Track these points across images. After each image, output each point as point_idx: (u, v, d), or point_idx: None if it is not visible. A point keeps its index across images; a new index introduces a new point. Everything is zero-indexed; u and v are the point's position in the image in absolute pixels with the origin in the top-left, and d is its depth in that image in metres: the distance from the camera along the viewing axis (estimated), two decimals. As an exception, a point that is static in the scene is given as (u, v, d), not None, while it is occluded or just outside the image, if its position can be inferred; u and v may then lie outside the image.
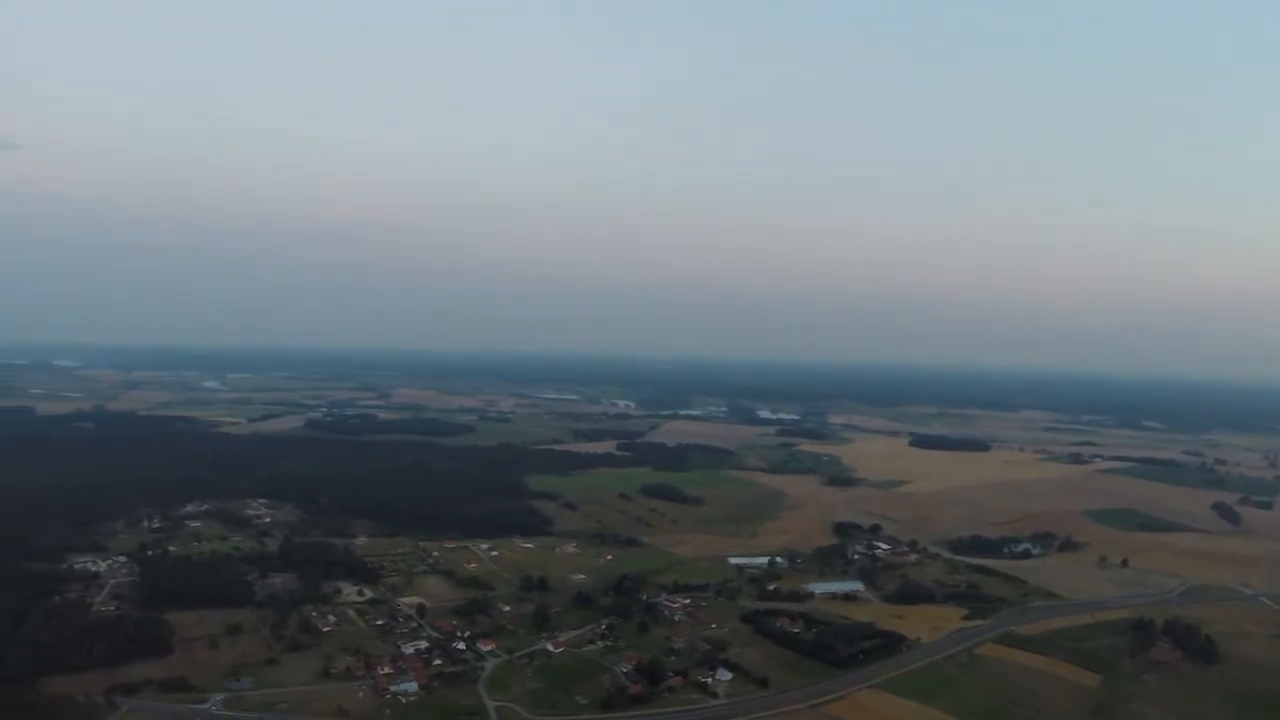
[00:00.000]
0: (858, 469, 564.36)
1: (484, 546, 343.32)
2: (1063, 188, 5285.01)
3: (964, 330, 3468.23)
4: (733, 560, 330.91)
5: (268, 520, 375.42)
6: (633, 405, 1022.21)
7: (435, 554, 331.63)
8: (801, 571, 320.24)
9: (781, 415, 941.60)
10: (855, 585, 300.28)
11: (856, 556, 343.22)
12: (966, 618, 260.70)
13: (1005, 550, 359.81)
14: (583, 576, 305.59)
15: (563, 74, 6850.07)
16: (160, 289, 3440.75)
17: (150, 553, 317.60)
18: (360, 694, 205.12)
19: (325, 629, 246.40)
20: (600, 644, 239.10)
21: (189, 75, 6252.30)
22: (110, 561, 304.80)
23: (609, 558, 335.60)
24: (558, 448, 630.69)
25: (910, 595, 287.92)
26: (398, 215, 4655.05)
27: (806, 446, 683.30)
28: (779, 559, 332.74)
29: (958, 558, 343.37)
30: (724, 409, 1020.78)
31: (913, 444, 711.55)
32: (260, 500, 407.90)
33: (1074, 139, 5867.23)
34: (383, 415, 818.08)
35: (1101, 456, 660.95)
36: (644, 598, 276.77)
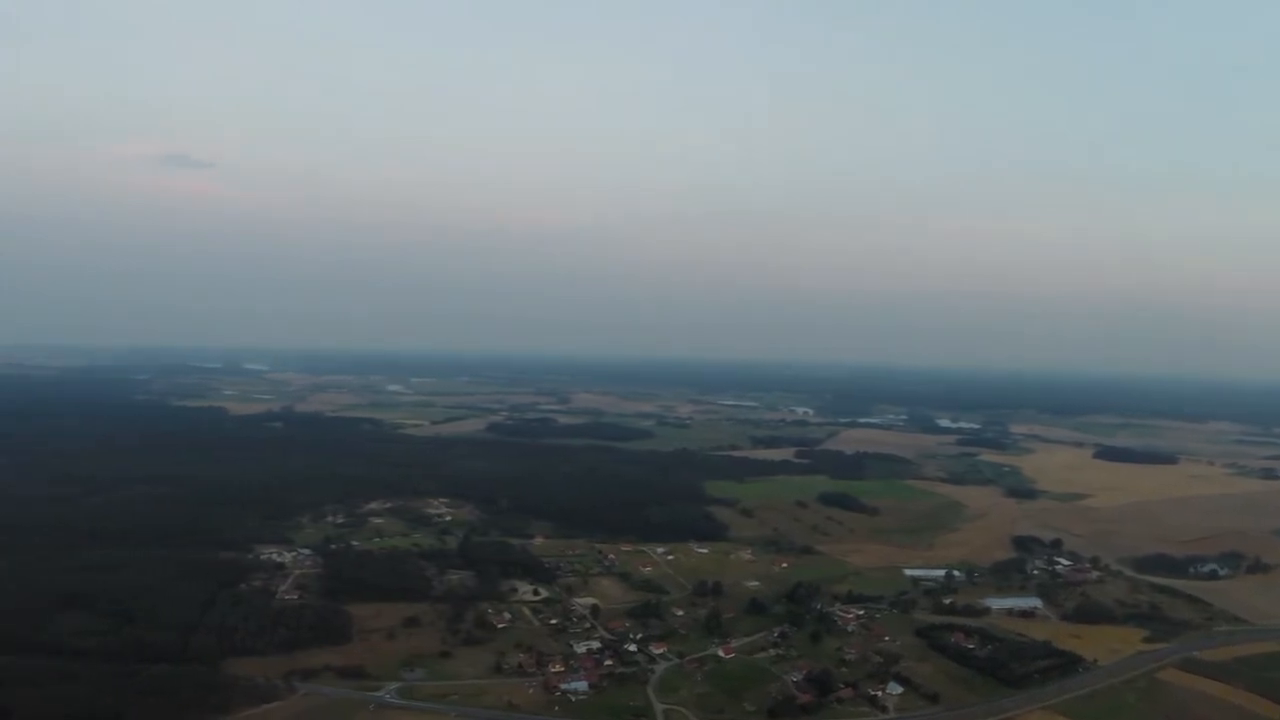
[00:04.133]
0: (1039, 481, 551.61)
1: (659, 550, 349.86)
2: (1248, 185, 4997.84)
3: (1148, 337, 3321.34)
4: (908, 572, 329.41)
5: (448, 519, 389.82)
6: (811, 412, 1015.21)
7: (611, 556, 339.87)
8: (978, 586, 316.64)
9: (962, 424, 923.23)
10: (1034, 602, 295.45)
11: (1036, 572, 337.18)
12: (1147, 640, 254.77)
13: (1190, 570, 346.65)
14: (757, 583, 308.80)
15: (727, 73, 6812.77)
16: (344, 296, 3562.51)
17: (334, 546, 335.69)
18: (531, 690, 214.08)
19: (500, 625, 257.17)
20: (772, 652, 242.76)
21: (361, 91, 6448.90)
22: (295, 553, 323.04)
23: (784, 565, 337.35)
24: (735, 454, 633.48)
25: (1090, 614, 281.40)
26: (570, 219, 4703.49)
27: (987, 457, 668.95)
28: (956, 572, 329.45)
29: (1140, 576, 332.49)
30: (904, 417, 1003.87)
31: (1096, 456, 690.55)
32: (441, 499, 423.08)
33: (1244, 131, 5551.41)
34: (562, 420, 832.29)
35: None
36: (818, 607, 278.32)
